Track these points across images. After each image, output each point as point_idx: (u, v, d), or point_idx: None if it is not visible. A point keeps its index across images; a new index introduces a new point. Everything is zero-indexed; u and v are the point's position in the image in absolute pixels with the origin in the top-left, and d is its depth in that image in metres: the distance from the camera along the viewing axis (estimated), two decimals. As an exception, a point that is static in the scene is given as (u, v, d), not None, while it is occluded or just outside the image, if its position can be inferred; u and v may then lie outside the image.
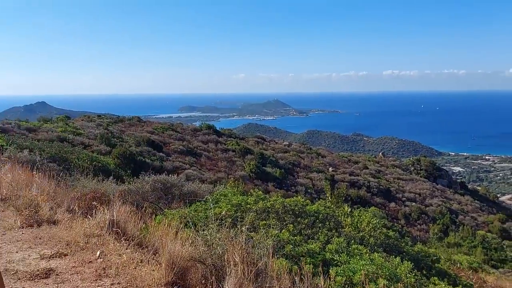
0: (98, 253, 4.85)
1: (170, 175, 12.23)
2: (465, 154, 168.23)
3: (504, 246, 36.74)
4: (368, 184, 46.41)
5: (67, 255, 4.93)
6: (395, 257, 6.17)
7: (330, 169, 49.92)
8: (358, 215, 7.84)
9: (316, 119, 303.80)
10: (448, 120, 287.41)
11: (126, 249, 4.92)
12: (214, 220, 5.97)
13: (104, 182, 10.58)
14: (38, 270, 4.46)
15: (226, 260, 3.87)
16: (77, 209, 6.99)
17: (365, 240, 7.18)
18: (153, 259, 4.46)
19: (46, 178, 9.02)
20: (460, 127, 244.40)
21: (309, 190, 39.90)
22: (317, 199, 38.17)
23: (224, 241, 4.13)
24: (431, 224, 41.11)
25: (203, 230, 4.79)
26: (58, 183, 9.26)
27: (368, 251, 6.37)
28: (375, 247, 6.96)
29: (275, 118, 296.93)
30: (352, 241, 6.85)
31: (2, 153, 12.22)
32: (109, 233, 5.52)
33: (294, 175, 44.24)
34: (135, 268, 4.38)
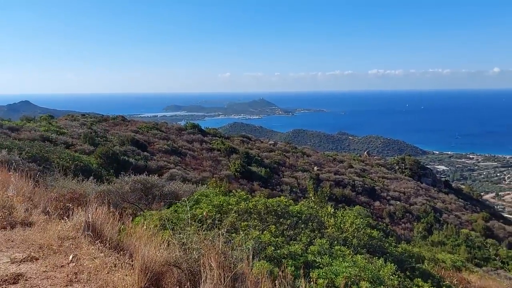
0: (71, 257, 4.67)
1: (153, 174, 12.05)
2: (449, 153, 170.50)
3: (487, 245, 37.20)
4: (353, 183, 46.60)
5: (39, 259, 4.74)
6: (379, 258, 6.11)
7: (315, 168, 50.01)
8: (341, 216, 7.77)
9: (301, 118, 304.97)
10: (432, 119, 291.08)
11: (101, 252, 4.75)
12: (191, 222, 5.84)
13: (84, 182, 10.36)
14: (6, 275, 4.27)
15: (202, 264, 3.74)
16: (53, 210, 6.79)
17: (348, 241, 7.11)
18: (127, 264, 4.31)
19: (24, 178, 8.77)
20: (445, 126, 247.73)
21: (294, 189, 39.90)
22: (302, 198, 38.25)
23: (201, 244, 4.00)
24: (415, 223, 41.46)
25: (180, 233, 4.65)
26: (36, 183, 9.02)
27: (351, 252, 6.30)
28: (359, 248, 6.90)
29: (261, 117, 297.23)
30: (335, 242, 6.77)
31: (-21, 153, 11.89)
32: (85, 235, 5.34)
33: (279, 174, 44.20)
34: (108, 273, 4.22)
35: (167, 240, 4.43)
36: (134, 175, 14.52)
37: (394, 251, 7.92)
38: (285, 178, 42.69)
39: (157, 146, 41.10)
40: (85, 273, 4.27)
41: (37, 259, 4.72)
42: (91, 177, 11.28)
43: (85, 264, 4.50)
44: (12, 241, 5.40)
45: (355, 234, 7.17)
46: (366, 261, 5.39)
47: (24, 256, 4.76)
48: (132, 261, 4.28)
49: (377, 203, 44.19)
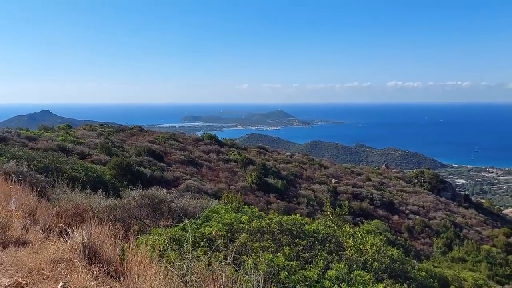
0: (60, 285, 4.25)
1: (169, 185, 11.70)
2: (468, 166, 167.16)
3: (509, 261, 35.83)
4: (371, 196, 45.66)
5: (26, 286, 4.32)
6: (402, 284, 5.57)
7: (333, 180, 49.23)
8: (361, 236, 7.24)
9: (319, 129, 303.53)
10: (451, 132, 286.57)
11: (94, 280, 4.32)
12: (199, 242, 5.39)
13: (92, 195, 10.01)
14: (-16, 308, 3.88)
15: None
16: (54, 227, 6.42)
17: (368, 264, 6.57)
18: (121, 295, 3.89)
19: (28, 191, 8.47)
20: (464, 139, 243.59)
21: (311, 202, 39.19)
22: (319, 211, 37.59)
23: (202, 276, 3.54)
24: (434, 238, 40.25)
25: (182, 259, 4.20)
26: (40, 197, 8.71)
27: (371, 277, 5.76)
28: (379, 272, 6.35)
29: (278, 128, 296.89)
30: (354, 266, 6.24)
31: (-12, 164, 11.68)
32: (82, 257, 4.93)
33: (296, 186, 43.56)
34: (97, 306, 3.80)
35: (165, 268, 3.98)
36: (148, 187, 14.18)
37: (417, 276, 7.33)
38: (302, 191, 42.01)
39: (174, 157, 40.95)
40: (72, 306, 3.85)
41: (24, 286, 4.31)
42: (100, 190, 10.96)
43: (74, 294, 4.08)
44: (1, 264, 5.00)
45: (376, 257, 6.63)
46: (389, 289, 4.87)
47: (9, 283, 4.35)
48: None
49: (395, 217, 43.14)
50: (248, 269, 4.59)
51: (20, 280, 4.41)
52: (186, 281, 3.67)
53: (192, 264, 3.85)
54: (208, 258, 4.11)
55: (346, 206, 8.91)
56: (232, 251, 4.30)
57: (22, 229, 6.01)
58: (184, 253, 4.37)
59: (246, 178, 39.40)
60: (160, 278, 3.77)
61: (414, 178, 63.29)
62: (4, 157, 15.36)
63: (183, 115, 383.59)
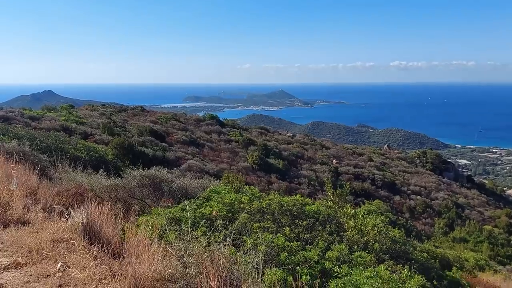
0: (59, 265, 4.25)
1: (171, 165, 11.70)
2: (472, 146, 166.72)
3: (511, 242, 36.04)
4: (373, 176, 45.72)
5: (25, 266, 4.32)
6: (403, 266, 5.57)
7: (334, 161, 49.25)
8: (362, 217, 7.22)
9: (321, 110, 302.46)
10: (455, 112, 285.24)
11: (94, 260, 4.31)
12: (199, 222, 5.38)
13: (94, 175, 10.01)
14: (-17, 287, 3.87)
15: (199, 284, 3.27)
16: (55, 207, 6.41)
17: (369, 245, 6.56)
18: (120, 275, 3.86)
19: (30, 170, 8.45)
20: (468, 119, 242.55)
21: (312, 182, 39.29)
22: (320, 191, 37.68)
23: (200, 258, 3.52)
24: (436, 218, 40.43)
25: (179, 240, 4.18)
26: (42, 176, 8.69)
27: (372, 258, 5.76)
28: (380, 254, 6.35)
29: (280, 109, 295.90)
30: (355, 247, 6.23)
31: (-10, 143, 11.66)
32: (81, 237, 4.93)
33: (298, 166, 43.61)
34: (95, 287, 3.78)
35: (164, 249, 3.97)
36: (150, 167, 14.17)
37: (419, 257, 7.33)
38: (304, 171, 42.07)
39: (176, 137, 40.95)
40: (71, 286, 3.83)
41: (23, 265, 4.31)
42: (101, 170, 10.95)
43: (73, 274, 4.06)
44: (2, 243, 4.99)
45: (377, 238, 6.62)
46: (389, 271, 4.85)
47: (9, 262, 4.36)
48: (123, 271, 3.83)
49: (397, 198, 43.27)
50: (247, 250, 4.57)
51: (19, 259, 4.42)
52: (184, 262, 3.66)
53: (190, 245, 3.84)
54: (207, 238, 4.09)
55: (348, 186, 8.89)
56: (231, 232, 4.28)
57: (23, 208, 6.01)
58: (183, 233, 4.36)
59: (248, 158, 39.44)
60: (158, 259, 3.76)
61: (416, 158, 63.23)
62: (6, 136, 15.34)
63: (185, 96, 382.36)
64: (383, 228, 6.84)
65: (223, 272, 3.25)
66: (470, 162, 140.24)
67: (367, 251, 6.05)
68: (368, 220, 7.05)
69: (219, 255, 3.45)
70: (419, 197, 44.31)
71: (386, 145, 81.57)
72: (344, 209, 7.59)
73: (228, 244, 3.86)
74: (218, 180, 13.54)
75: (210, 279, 3.18)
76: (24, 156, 9.92)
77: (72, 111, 44.38)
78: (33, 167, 8.80)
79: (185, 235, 4.18)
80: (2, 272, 4.19)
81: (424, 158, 62.05)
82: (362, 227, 6.78)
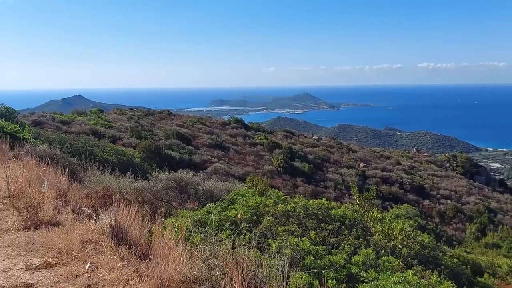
0: (88, 265, 4.34)
1: (197, 169, 11.81)
2: (504, 150, 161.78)
3: (546, 248, 34.76)
4: (401, 180, 44.91)
5: (55, 266, 4.43)
6: (432, 271, 5.44)
7: (361, 164, 48.66)
8: (389, 221, 7.09)
9: (347, 112, 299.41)
10: (486, 114, 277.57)
11: (121, 261, 4.39)
12: (224, 224, 5.39)
13: (121, 178, 10.18)
14: (16, 286, 3.95)
15: (224, 285, 3.28)
16: (84, 209, 6.56)
17: (397, 250, 6.44)
18: (147, 276, 3.91)
19: (61, 173, 8.67)
20: (499, 122, 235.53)
21: (338, 186, 38.91)
22: (346, 195, 37.30)
23: (225, 260, 3.53)
24: (467, 223, 39.37)
25: (204, 243, 4.19)
26: (72, 179, 8.89)
27: (400, 263, 5.65)
28: (409, 259, 6.22)
29: (305, 111, 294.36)
30: (382, 251, 6.13)
31: (23, 147, 12.02)
32: (109, 239, 5.02)
33: (324, 170, 43.26)
34: (123, 287, 3.84)
35: (189, 251, 4.00)
36: (176, 170, 14.33)
37: (449, 262, 7.15)
38: (330, 175, 41.72)
39: (201, 140, 41.33)
40: (99, 286, 3.91)
41: (53, 266, 4.42)
42: (129, 173, 11.13)
43: (101, 275, 4.14)
44: (33, 244, 5.15)
45: (405, 243, 6.49)
46: (418, 277, 4.74)
47: (40, 263, 4.48)
48: (149, 272, 3.88)
49: (426, 202, 42.37)
50: (272, 253, 4.56)
51: (50, 260, 4.53)
52: (209, 264, 3.67)
53: (215, 248, 3.85)
54: (232, 241, 4.10)
55: (374, 190, 8.76)
56: (256, 235, 4.28)
57: (53, 210, 6.17)
58: (208, 236, 4.38)
59: (273, 161, 39.40)
60: (183, 261, 3.79)
61: (446, 162, 61.84)
62: (38, 140, 15.80)
63: (210, 100, 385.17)
64: (411, 232, 6.70)
65: (247, 275, 3.25)
66: (502, 166, 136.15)
67: (394, 256, 5.94)
68: (396, 224, 6.93)
69: (243, 258, 3.45)
70: (449, 201, 43.28)
71: (414, 148, 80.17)
72: (371, 213, 7.48)
73: (252, 247, 3.86)
74: (243, 183, 13.58)
75: (235, 282, 3.18)
76: (55, 159, 10.18)
77: (101, 115, 45.36)
78: (63, 170, 9.03)
79: (210, 238, 4.20)
80: (33, 272, 4.31)
81: (454, 162, 60.64)
82: (389, 232, 6.67)
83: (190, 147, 36.88)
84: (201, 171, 26.23)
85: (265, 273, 3.49)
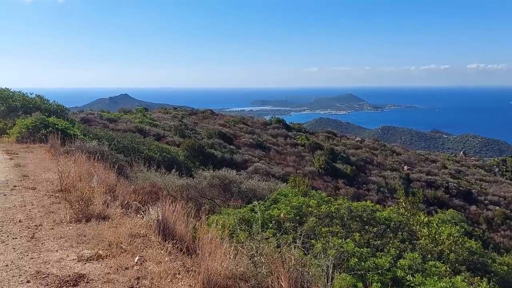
0: (137, 258, 4.47)
1: (238, 168, 11.95)
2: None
3: None
4: (447, 184, 43.49)
5: (105, 258, 4.59)
6: (481, 278, 5.24)
7: (405, 167, 47.47)
8: (436, 226, 6.89)
9: (391, 114, 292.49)
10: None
11: (168, 255, 4.50)
12: (267, 223, 5.41)
13: (166, 174, 10.41)
14: (69, 276, 4.14)
15: (270, 284, 3.29)
16: (132, 203, 6.77)
17: (444, 255, 6.25)
18: (193, 271, 3.99)
19: (110, 169, 8.97)
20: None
21: (381, 189, 38.14)
22: (389, 198, 36.48)
23: (271, 258, 3.54)
24: (517, 231, 37.63)
25: (250, 240, 4.23)
26: (119, 174, 9.18)
27: (447, 268, 5.48)
28: (456, 264, 6.02)
29: (348, 112, 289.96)
30: (429, 256, 5.97)
31: (73, 143, 12.53)
32: (156, 233, 5.16)
33: (366, 172, 42.52)
34: (170, 281, 3.93)
35: (235, 248, 4.04)
36: (218, 169, 14.52)
37: (499, 270, 6.86)
38: (372, 177, 40.95)
39: (243, 140, 41.60)
40: (147, 279, 4.02)
41: (103, 258, 4.59)
42: (174, 170, 11.36)
43: (149, 268, 4.26)
44: (84, 236, 5.36)
45: (453, 248, 6.27)
46: (467, 282, 4.58)
47: (91, 254, 4.66)
48: (199, 268, 3.95)
49: (473, 208, 40.82)
50: (317, 253, 4.54)
51: (100, 252, 4.71)
52: (255, 261, 3.70)
53: (261, 245, 3.88)
54: (276, 240, 4.11)
55: (420, 194, 8.51)
56: (300, 234, 4.27)
57: (103, 204, 6.40)
58: (253, 233, 4.42)
59: (314, 162, 39.11)
60: (230, 257, 3.83)
61: (495, 166, 59.36)
62: (87, 137, 16.40)
63: (252, 100, 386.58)
64: (459, 238, 6.48)
65: (294, 274, 3.26)
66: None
67: (441, 261, 5.77)
68: (443, 229, 6.73)
69: (289, 257, 3.46)
70: (497, 207, 41.50)
71: (461, 152, 77.40)
72: (417, 217, 7.29)
73: (298, 247, 3.85)
74: (285, 183, 13.56)
75: (281, 280, 3.19)
76: (104, 155, 10.56)
77: (146, 113, 46.53)
78: (111, 166, 9.34)
79: (255, 235, 4.24)
80: (85, 263, 4.49)
81: (504, 167, 58.11)
82: (436, 236, 6.48)
83: (231, 146, 37.22)
84: (242, 170, 26.42)
85: (310, 273, 3.48)
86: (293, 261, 3.38)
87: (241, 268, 3.72)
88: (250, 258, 3.80)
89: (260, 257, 3.70)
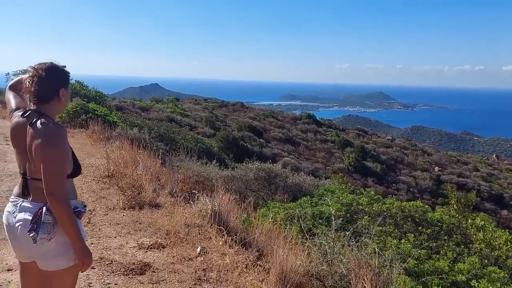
0: (199, 249, 4.43)
1: (267, 161, 11.86)
2: None
3: None
4: (478, 187, 42.39)
5: (166, 247, 4.56)
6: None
7: (436, 168, 46.49)
8: (492, 230, 6.66)
9: (422, 114, 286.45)
10: None
11: (230, 248, 4.45)
12: (324, 222, 5.31)
13: (207, 165, 10.41)
14: (133, 263, 4.12)
15: (351, 283, 3.19)
16: (179, 193, 6.76)
17: (500, 261, 6.03)
18: (259, 266, 3.93)
19: (152, 157, 9.01)
20: None
21: (411, 189, 37.48)
22: (419, 198, 35.81)
23: (349, 257, 3.44)
24: (552, 239, 36.40)
25: (314, 236, 4.13)
26: (163, 163, 9.22)
27: (505, 275, 5.27)
28: (514, 272, 5.80)
29: (378, 110, 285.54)
30: (486, 261, 5.76)
31: (114, 129, 12.68)
32: (211, 224, 5.12)
33: (396, 172, 41.84)
34: (239, 274, 3.86)
35: (302, 242, 3.95)
36: (256, 161, 14.45)
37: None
38: (402, 177, 40.26)
39: (272, 134, 41.48)
40: (214, 271, 3.96)
41: (164, 247, 4.56)
42: (214, 161, 11.37)
43: (213, 260, 4.21)
44: (140, 223, 5.36)
45: (510, 254, 6.04)
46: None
47: (151, 242, 4.64)
48: (262, 263, 3.89)
49: (504, 212, 39.67)
50: (371, 253, 4.41)
51: (160, 240, 4.69)
52: (328, 260, 3.60)
53: (335, 243, 3.78)
54: (343, 240, 4.01)
55: (474, 196, 8.26)
56: (373, 233, 4.16)
57: (152, 192, 6.41)
58: (324, 230, 4.33)
59: (344, 159, 38.72)
60: (303, 254, 3.75)
61: (529, 171, 57.45)
62: (126, 124, 16.59)
63: (281, 94, 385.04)
64: (517, 244, 6.25)
65: (380, 277, 3.14)
66: None
67: (498, 267, 5.57)
68: (500, 233, 6.50)
69: (370, 256, 3.36)
70: (531, 213, 40.25)
71: (494, 155, 75.24)
72: (471, 220, 7.07)
73: (369, 246, 3.74)
74: (328, 180, 13.40)
75: (365, 281, 3.09)
76: (146, 143, 10.63)
77: (178, 103, 46.88)
78: (154, 154, 9.39)
79: (328, 232, 4.15)
80: (146, 251, 4.47)
81: (538, 172, 56.15)
82: (491, 241, 6.26)
83: (261, 139, 37.16)
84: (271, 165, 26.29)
85: (386, 274, 3.37)
86: (376, 261, 3.27)
87: (316, 262, 3.63)
88: (323, 256, 3.71)
89: (337, 256, 3.60)
